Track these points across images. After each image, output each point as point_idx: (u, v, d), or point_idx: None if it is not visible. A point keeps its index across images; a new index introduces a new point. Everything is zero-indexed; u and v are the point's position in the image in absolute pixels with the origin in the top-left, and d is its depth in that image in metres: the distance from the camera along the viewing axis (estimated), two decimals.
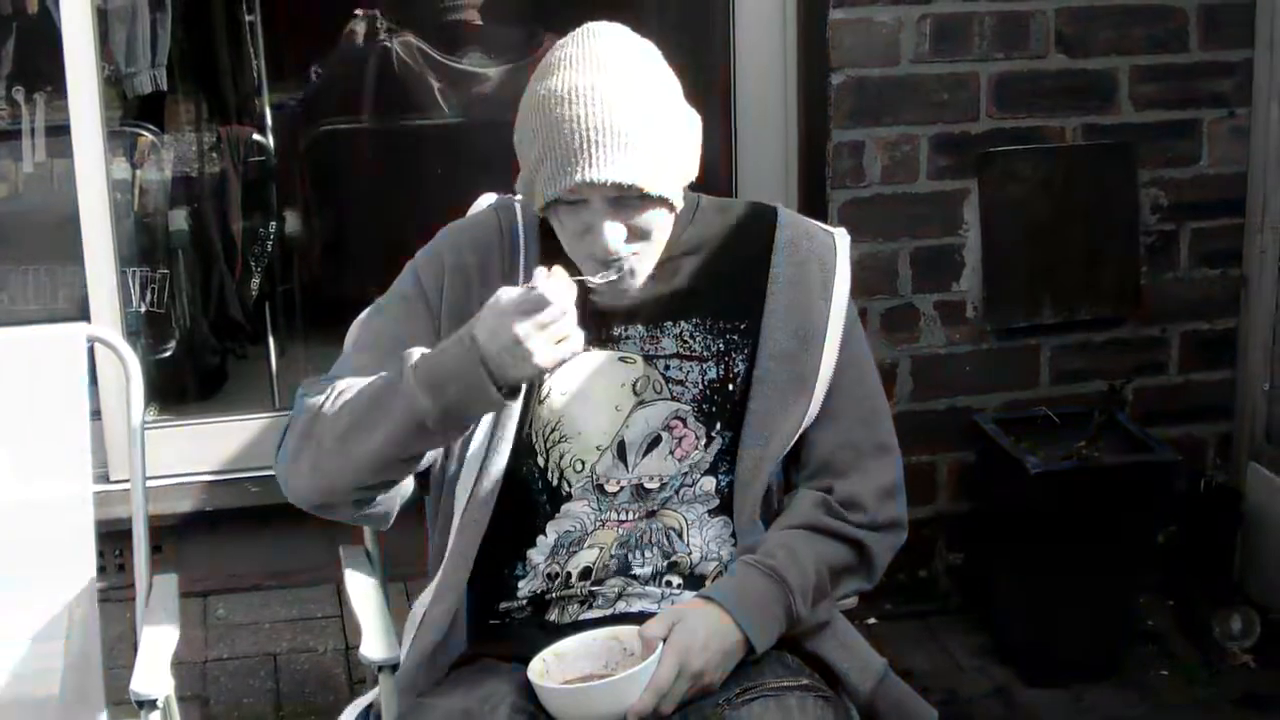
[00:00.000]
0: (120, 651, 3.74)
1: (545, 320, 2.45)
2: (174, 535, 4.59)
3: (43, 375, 3.16)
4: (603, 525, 2.73)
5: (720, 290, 2.81)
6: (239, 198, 5.70)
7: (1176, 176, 4.65)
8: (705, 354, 2.77)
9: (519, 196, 2.83)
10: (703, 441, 2.75)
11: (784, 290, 2.80)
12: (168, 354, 5.39)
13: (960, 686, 4.36)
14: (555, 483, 2.74)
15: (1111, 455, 4.32)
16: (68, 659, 3.10)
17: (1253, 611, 4.50)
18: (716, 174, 4.71)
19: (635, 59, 2.66)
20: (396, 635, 2.81)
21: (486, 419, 2.71)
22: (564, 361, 2.50)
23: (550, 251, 2.76)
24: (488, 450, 2.73)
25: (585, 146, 2.56)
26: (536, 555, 2.73)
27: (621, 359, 2.77)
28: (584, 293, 2.62)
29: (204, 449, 4.77)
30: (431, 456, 2.74)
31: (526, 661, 2.55)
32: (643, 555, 2.72)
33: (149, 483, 3.21)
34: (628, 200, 2.61)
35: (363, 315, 2.89)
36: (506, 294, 2.48)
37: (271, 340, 5.64)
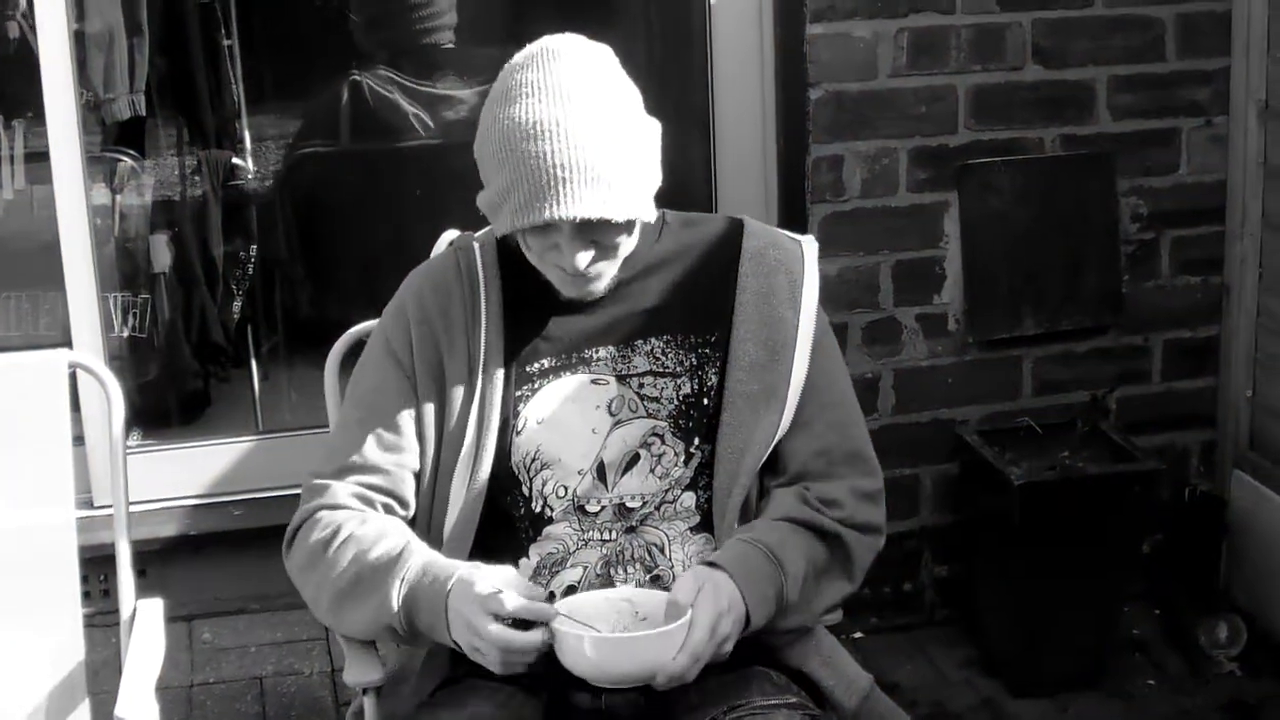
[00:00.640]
0: (106, 677, 3.72)
1: (507, 645, 2.48)
2: (158, 560, 4.58)
3: (25, 402, 3.15)
4: (585, 545, 2.73)
5: (689, 304, 2.82)
6: (219, 222, 5.69)
7: (1156, 185, 4.66)
8: (678, 369, 2.78)
9: (477, 235, 2.90)
10: (681, 457, 2.75)
11: (752, 301, 2.80)
12: (150, 378, 5.39)
13: (947, 699, 4.37)
14: (538, 509, 2.75)
15: (1095, 465, 4.33)
16: (52, 685, 3.10)
17: (1239, 619, 4.50)
18: (697, 190, 4.71)
19: (597, 83, 2.65)
20: (381, 657, 2.81)
21: (466, 450, 2.73)
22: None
23: (511, 291, 2.80)
24: (470, 479, 2.73)
25: (554, 184, 2.56)
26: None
27: (594, 381, 2.78)
28: (556, 315, 2.75)
29: (187, 473, 4.76)
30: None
31: (509, 681, 2.56)
32: (625, 571, 2.72)
33: (133, 507, 3.20)
34: (596, 225, 2.62)
35: (357, 367, 2.93)
36: (481, 582, 2.52)
37: (254, 363, 5.64)
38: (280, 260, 5.81)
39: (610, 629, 2.55)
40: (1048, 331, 4.66)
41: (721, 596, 2.55)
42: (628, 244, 2.73)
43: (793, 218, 4.50)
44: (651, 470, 2.75)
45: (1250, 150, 4.57)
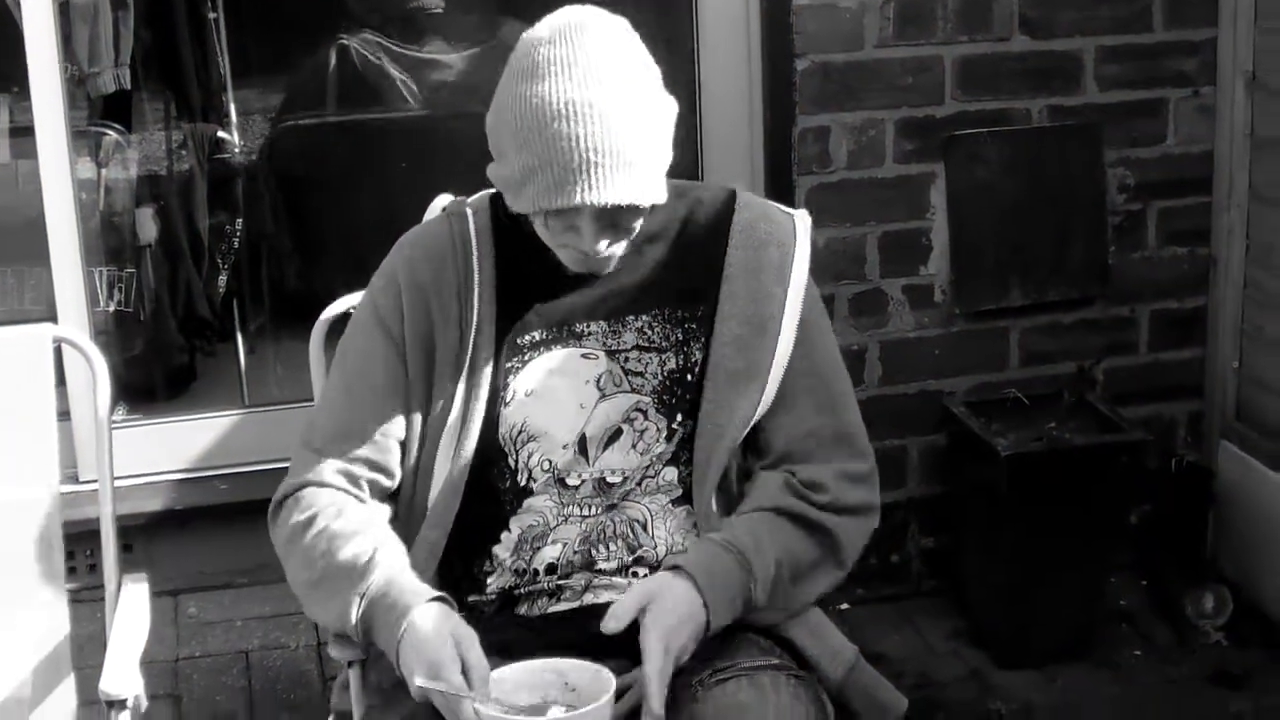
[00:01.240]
0: (91, 652, 3.71)
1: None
2: (144, 534, 4.57)
3: (9, 377, 3.15)
4: (565, 520, 2.72)
5: (679, 279, 2.79)
6: (205, 195, 5.68)
7: (1143, 156, 4.66)
8: (664, 344, 2.76)
9: (470, 200, 2.84)
10: (664, 433, 2.74)
11: (739, 276, 2.77)
12: (135, 353, 5.38)
13: (934, 670, 4.37)
14: (523, 483, 2.74)
15: (1082, 436, 4.33)
16: (38, 660, 3.10)
17: (1225, 590, 4.51)
18: (683, 162, 4.69)
19: (626, 62, 2.61)
20: None
21: (452, 421, 2.73)
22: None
23: (504, 261, 2.78)
24: (455, 451, 2.73)
25: (585, 168, 2.52)
26: (502, 551, 2.72)
27: (584, 356, 2.76)
28: (549, 287, 2.72)
29: (173, 447, 4.76)
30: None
31: (496, 651, 2.55)
32: (607, 550, 2.71)
33: (118, 482, 3.21)
34: (622, 208, 2.60)
35: (345, 334, 2.90)
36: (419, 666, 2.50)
37: (239, 337, 5.63)
38: (266, 233, 5.81)
39: (540, 699, 2.50)
40: (1034, 302, 4.66)
41: (669, 615, 2.54)
42: (640, 224, 2.71)
43: (779, 189, 4.50)
44: (633, 446, 2.73)
45: (1237, 121, 4.57)
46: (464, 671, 2.46)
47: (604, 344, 2.76)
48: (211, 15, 5.71)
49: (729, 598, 2.61)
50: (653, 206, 2.68)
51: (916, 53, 4.46)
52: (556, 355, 2.76)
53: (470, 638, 2.51)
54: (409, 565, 2.65)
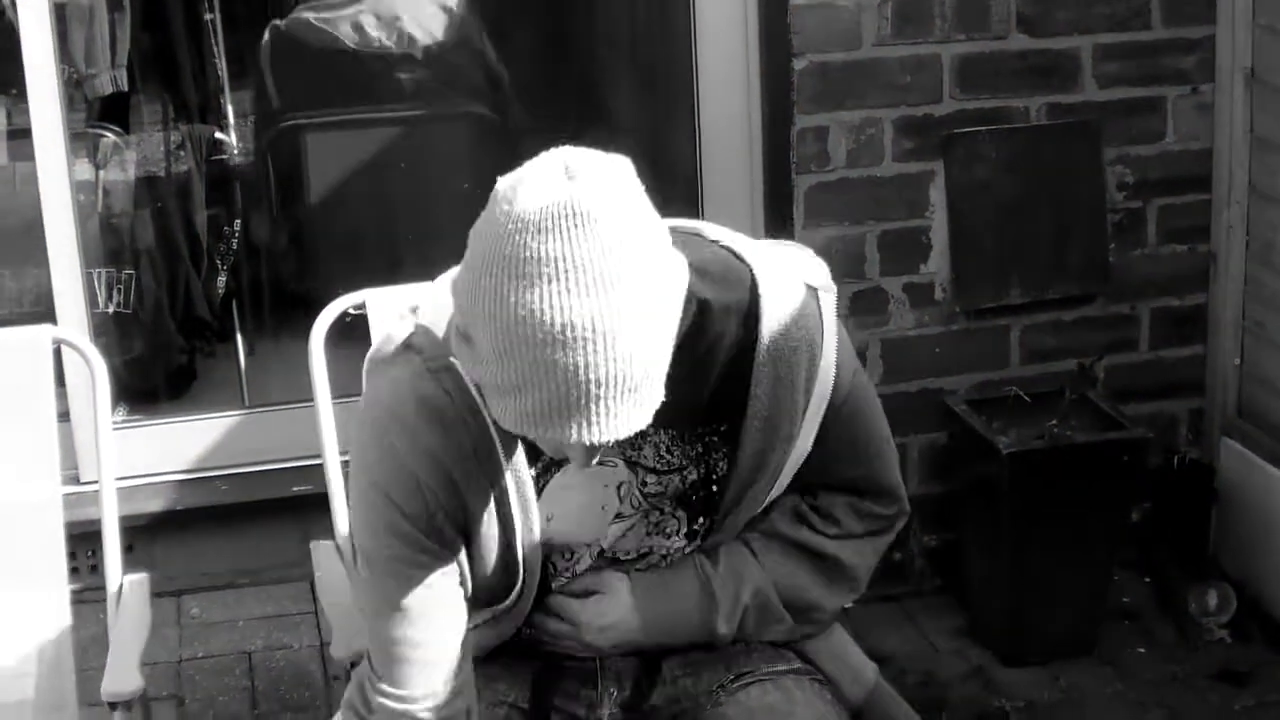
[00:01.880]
0: (95, 653, 3.71)
1: None
2: (145, 535, 4.57)
3: (9, 378, 3.15)
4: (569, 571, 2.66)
5: (698, 398, 2.48)
6: (203, 196, 5.69)
7: (1142, 154, 4.65)
8: (684, 463, 2.55)
9: (446, 343, 2.35)
10: (684, 530, 2.63)
11: (766, 393, 2.46)
12: (135, 354, 5.38)
13: (938, 668, 4.37)
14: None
15: (1083, 434, 4.33)
16: (40, 662, 3.10)
17: (1228, 587, 4.51)
18: (681, 165, 4.70)
19: (636, 254, 2.08)
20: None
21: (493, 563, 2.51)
22: None
23: None
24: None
25: (585, 401, 2.07)
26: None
27: (601, 463, 2.46)
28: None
29: (173, 448, 4.75)
30: None
31: (492, 657, 2.54)
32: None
33: (119, 483, 3.21)
34: None
35: (361, 525, 2.48)
36: None
37: (239, 338, 5.63)
38: (265, 234, 5.81)
39: None
40: (1035, 300, 4.66)
41: (603, 615, 2.58)
42: None
43: (778, 189, 4.50)
44: (648, 534, 2.62)
45: (1236, 118, 4.57)
46: None
47: (622, 453, 2.53)
48: (208, 17, 5.71)
49: (672, 620, 2.60)
50: None
51: (915, 51, 4.46)
52: (572, 470, 2.48)
53: None
54: None
